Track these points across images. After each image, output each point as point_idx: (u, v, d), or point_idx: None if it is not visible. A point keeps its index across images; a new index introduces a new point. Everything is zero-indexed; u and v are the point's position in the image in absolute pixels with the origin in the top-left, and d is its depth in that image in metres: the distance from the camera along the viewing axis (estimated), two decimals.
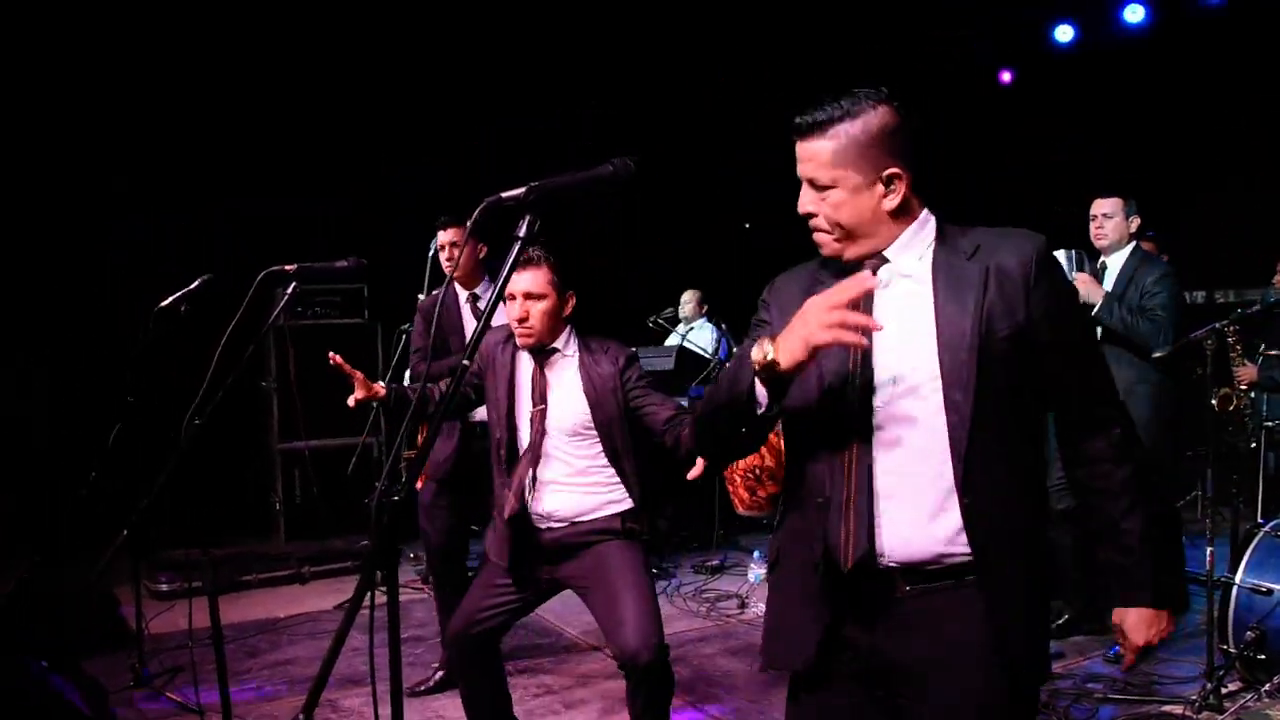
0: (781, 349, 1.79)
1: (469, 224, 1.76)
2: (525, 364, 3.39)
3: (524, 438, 3.36)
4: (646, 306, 7.77)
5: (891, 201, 1.91)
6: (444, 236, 4.65)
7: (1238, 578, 4.05)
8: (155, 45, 6.92)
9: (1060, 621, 4.84)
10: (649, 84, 8.31)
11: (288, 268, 2.89)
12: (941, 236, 1.96)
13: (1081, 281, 4.51)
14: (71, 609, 4.94)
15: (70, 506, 4.46)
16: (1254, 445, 5.31)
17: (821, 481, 1.93)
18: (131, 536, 3.04)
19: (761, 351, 1.82)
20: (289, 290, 2.86)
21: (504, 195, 1.82)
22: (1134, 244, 4.69)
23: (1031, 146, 8.65)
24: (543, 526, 3.30)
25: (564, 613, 5.05)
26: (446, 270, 4.70)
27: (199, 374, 2.96)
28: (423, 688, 4.43)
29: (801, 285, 2.05)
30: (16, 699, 3.76)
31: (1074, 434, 2.01)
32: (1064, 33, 8.47)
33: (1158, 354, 4.34)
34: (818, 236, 1.98)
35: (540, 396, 3.32)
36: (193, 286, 3.98)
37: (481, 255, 4.58)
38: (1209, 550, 4.09)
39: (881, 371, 1.90)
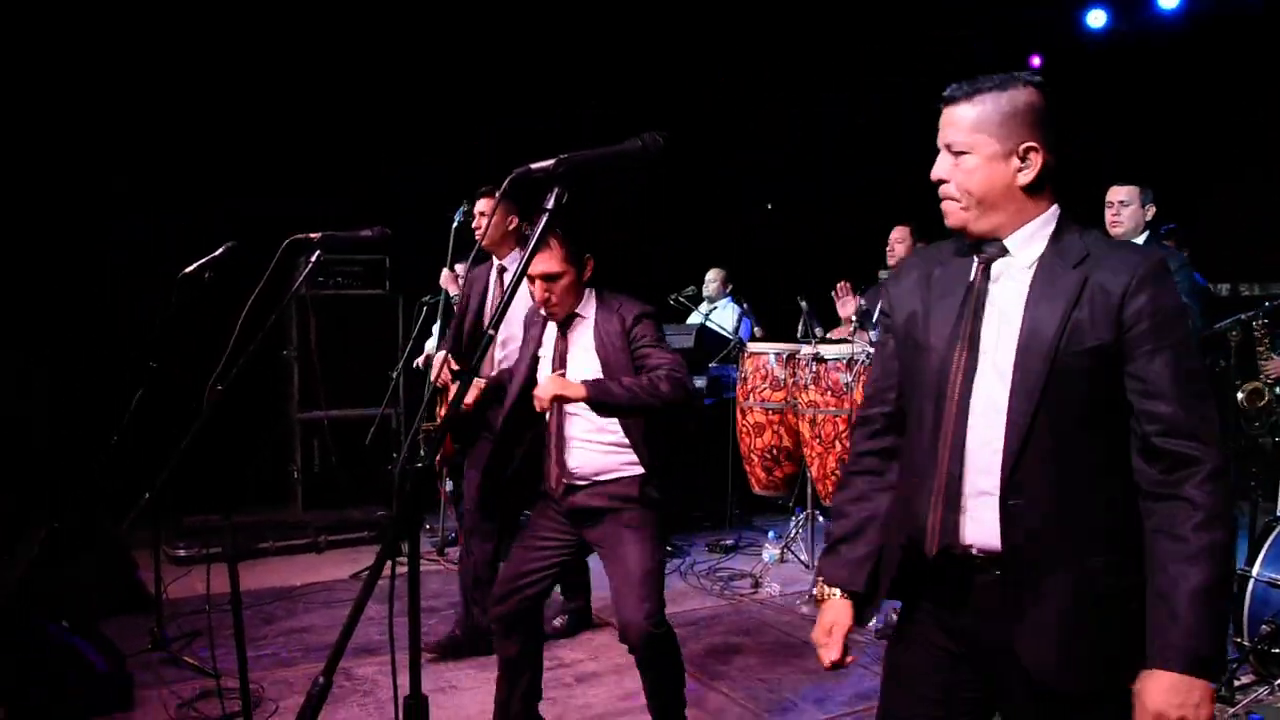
0: None
1: (497, 195, 1.76)
2: (550, 332, 3.44)
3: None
4: (669, 284, 7.77)
5: (1026, 176, 1.89)
6: (480, 205, 4.75)
7: (1255, 571, 4.04)
8: (155, 45, 6.96)
9: None
10: (650, 83, 8.29)
11: (312, 235, 2.89)
12: (1056, 235, 1.92)
13: None
14: (92, 571, 5.00)
15: (92, 472, 4.50)
16: (1277, 440, 5.26)
17: (919, 460, 1.97)
18: (154, 500, 3.07)
19: (820, 594, 2.09)
20: (312, 258, 2.86)
21: (533, 166, 1.81)
22: (1148, 233, 4.65)
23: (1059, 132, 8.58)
24: (568, 483, 3.35)
25: None
26: (477, 239, 4.79)
27: (219, 342, 2.98)
28: (432, 655, 4.47)
29: (921, 271, 2.06)
30: (37, 658, 3.82)
31: (1148, 464, 1.84)
32: (1096, 18, 8.36)
33: None
34: (945, 205, 1.96)
35: (560, 360, 3.36)
36: (217, 253, 4.00)
37: (511, 227, 4.60)
38: None
39: (980, 366, 1.90)
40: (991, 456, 1.87)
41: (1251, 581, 4.03)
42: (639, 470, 3.35)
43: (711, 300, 7.88)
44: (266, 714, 3.87)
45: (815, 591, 2.02)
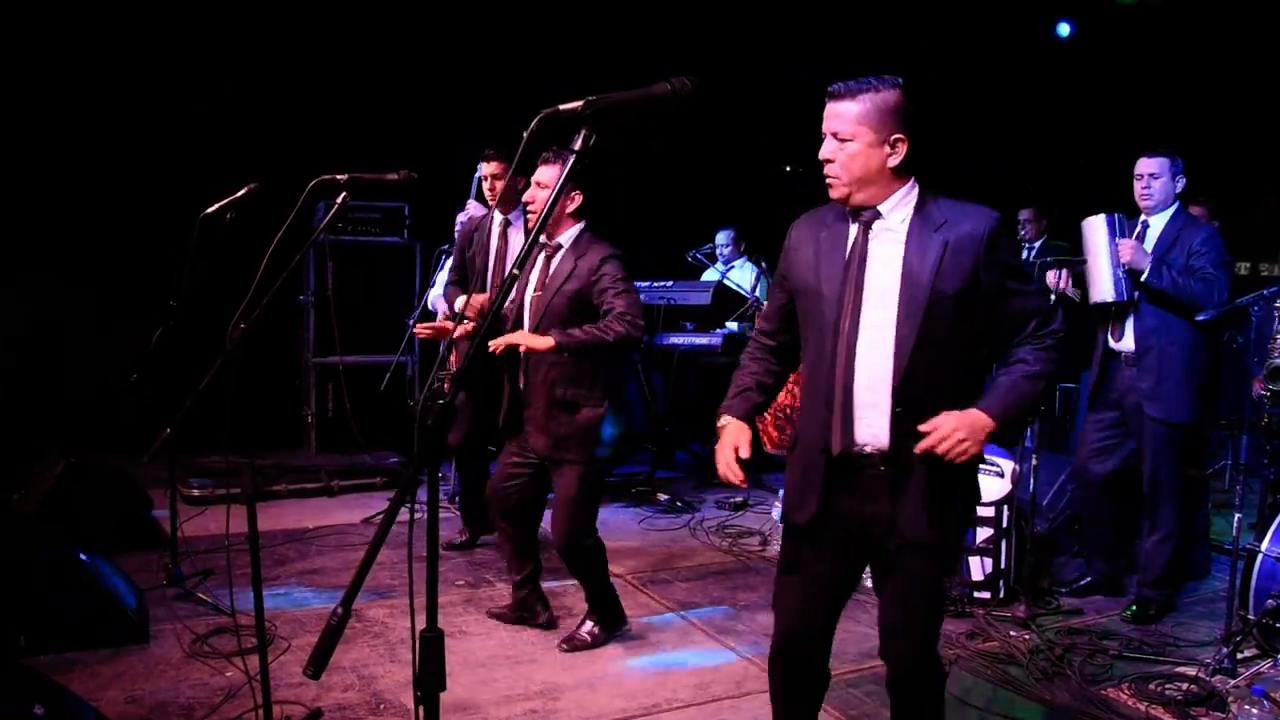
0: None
1: (525, 136, 1.75)
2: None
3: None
4: (686, 240, 7.79)
5: (894, 160, 2.43)
6: (488, 169, 4.86)
7: (1263, 546, 4.04)
8: (156, 44, 7.00)
9: (1083, 582, 4.86)
10: (672, 39, 8.22)
11: (339, 176, 2.89)
12: (920, 204, 2.47)
13: (1126, 248, 4.42)
14: (105, 506, 5.05)
15: (110, 406, 4.55)
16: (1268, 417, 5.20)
17: (821, 381, 2.50)
18: (173, 435, 3.09)
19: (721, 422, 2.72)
20: (338, 200, 2.86)
21: (561, 108, 1.81)
22: (1178, 204, 4.58)
23: (1081, 104, 8.52)
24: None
25: None
26: (489, 201, 4.94)
27: (239, 283, 2.98)
28: None
29: (810, 234, 2.59)
30: (58, 588, 3.86)
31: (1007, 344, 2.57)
32: None
33: (1201, 317, 4.27)
34: (830, 181, 2.48)
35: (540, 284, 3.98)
36: (239, 194, 4.01)
37: (520, 187, 4.72)
38: (1236, 518, 4.08)
39: (865, 304, 2.44)
40: (878, 374, 2.43)
41: (1260, 557, 4.04)
42: None
43: (727, 261, 7.86)
44: (279, 651, 3.92)
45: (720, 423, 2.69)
